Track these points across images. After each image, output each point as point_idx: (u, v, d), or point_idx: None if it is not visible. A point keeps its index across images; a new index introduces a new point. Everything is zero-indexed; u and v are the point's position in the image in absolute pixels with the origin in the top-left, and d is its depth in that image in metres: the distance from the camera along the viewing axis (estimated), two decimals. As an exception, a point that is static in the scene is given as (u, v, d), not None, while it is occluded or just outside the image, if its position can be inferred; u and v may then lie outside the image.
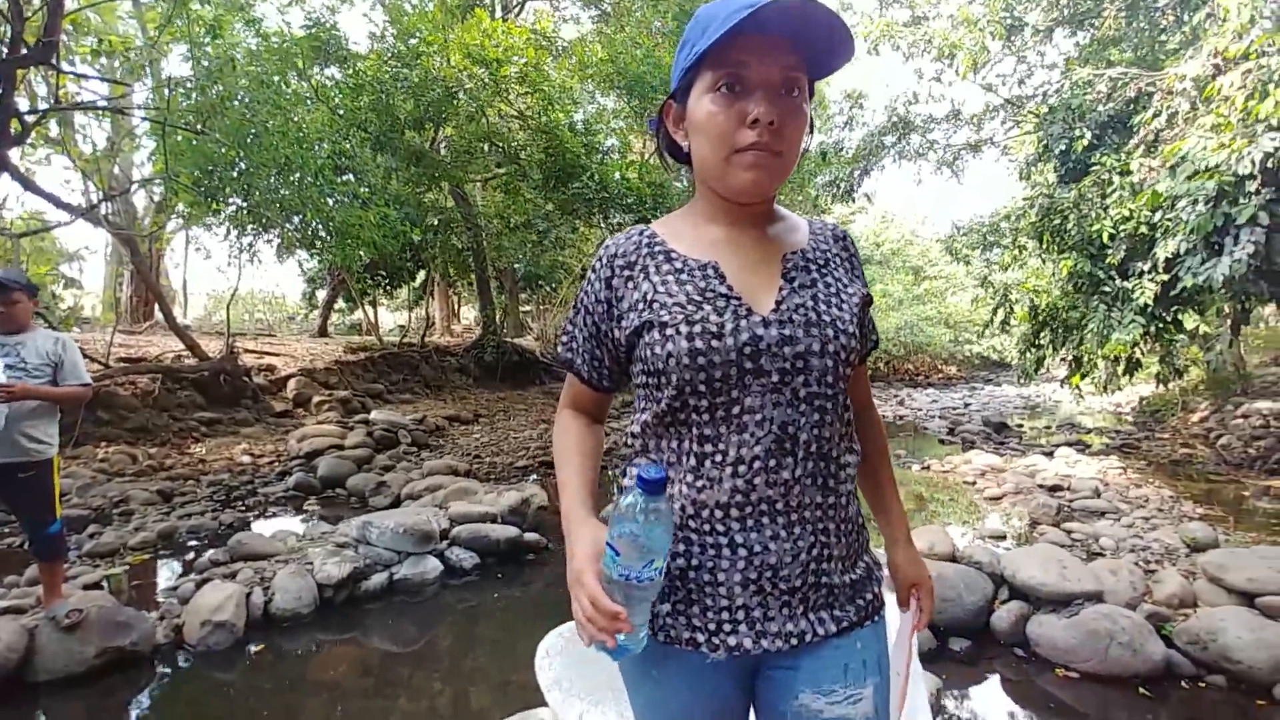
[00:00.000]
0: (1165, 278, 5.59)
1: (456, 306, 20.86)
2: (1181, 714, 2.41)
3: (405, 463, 6.58)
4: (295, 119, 7.43)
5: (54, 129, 8.74)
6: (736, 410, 0.78)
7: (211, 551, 3.81)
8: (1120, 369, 6.87)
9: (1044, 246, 7.04)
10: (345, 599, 3.45)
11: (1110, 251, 6.14)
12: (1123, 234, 5.94)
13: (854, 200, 12.04)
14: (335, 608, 3.38)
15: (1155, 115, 5.98)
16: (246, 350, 9.84)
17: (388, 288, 14.97)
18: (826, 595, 0.82)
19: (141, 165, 12.60)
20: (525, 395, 12.00)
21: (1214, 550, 3.36)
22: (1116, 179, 6.08)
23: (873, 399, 1.03)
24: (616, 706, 1.58)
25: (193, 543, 4.40)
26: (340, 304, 17.42)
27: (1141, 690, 2.52)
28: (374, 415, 8.00)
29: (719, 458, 0.78)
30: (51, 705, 2.52)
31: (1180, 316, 6.33)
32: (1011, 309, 8.21)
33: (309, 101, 8.56)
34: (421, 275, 15.55)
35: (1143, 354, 6.92)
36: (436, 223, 11.40)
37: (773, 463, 0.78)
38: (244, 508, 5.28)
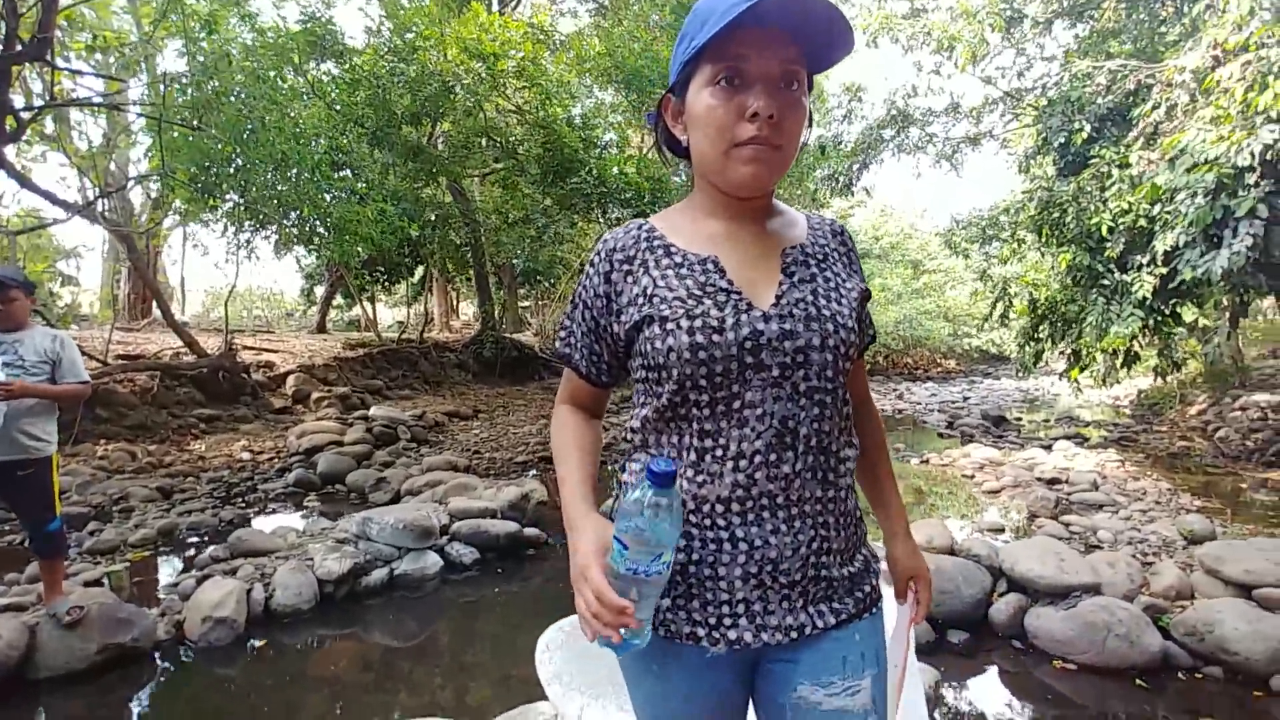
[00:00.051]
0: (1164, 271, 5.60)
1: (455, 302, 20.84)
2: (1178, 705, 2.42)
3: (405, 459, 6.59)
4: (292, 114, 7.40)
5: (49, 125, 8.71)
6: (737, 405, 0.78)
7: (212, 548, 3.82)
8: (1119, 362, 6.88)
9: (1043, 240, 7.04)
10: (346, 594, 3.46)
11: (1109, 245, 6.14)
12: (1122, 227, 5.93)
13: (853, 194, 12.02)
14: (336, 603, 3.39)
15: (1154, 108, 5.97)
16: (245, 347, 9.83)
17: (386, 284, 14.94)
18: (826, 588, 0.82)
19: (138, 161, 12.53)
20: (524, 391, 12.01)
21: (1211, 542, 3.37)
22: (1115, 172, 6.08)
23: (871, 393, 1.03)
24: (616, 700, 1.59)
25: (193, 539, 4.40)
26: (339, 300, 17.40)
27: (1138, 682, 2.54)
28: (373, 411, 8.00)
29: (719, 452, 0.78)
30: (53, 702, 2.53)
31: (1179, 309, 6.33)
32: (1010, 302, 8.22)
33: (305, 97, 8.52)
34: (420, 271, 15.53)
35: (1141, 347, 6.93)
36: (434, 218, 11.37)
37: (773, 457, 0.78)
38: (244, 504, 5.28)
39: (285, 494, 5.62)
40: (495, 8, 11.72)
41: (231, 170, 6.77)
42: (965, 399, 13.58)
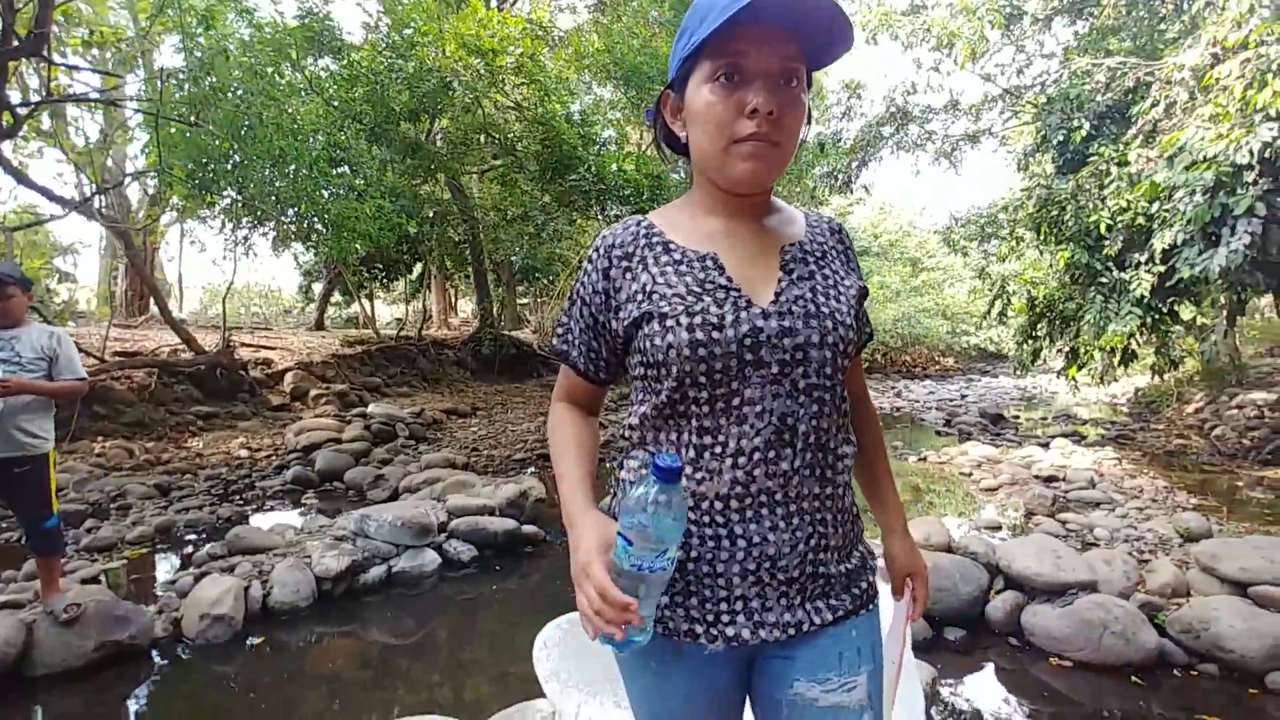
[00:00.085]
0: (1162, 269, 5.60)
1: (453, 299, 20.82)
2: (1174, 702, 2.43)
3: (403, 456, 6.58)
4: (289, 110, 7.38)
5: (46, 121, 8.66)
6: (736, 402, 0.78)
7: (209, 545, 3.82)
8: (1116, 360, 6.89)
9: (1041, 238, 7.04)
10: (344, 592, 3.46)
11: (1107, 242, 6.14)
12: (1120, 225, 5.94)
13: (852, 191, 12.02)
14: (334, 601, 3.39)
15: (1153, 105, 5.97)
16: (243, 344, 9.81)
17: (384, 281, 14.93)
18: (823, 585, 0.83)
19: (135, 158, 12.48)
20: (523, 388, 12.00)
21: (1207, 540, 3.38)
22: (1114, 170, 6.08)
23: (868, 391, 1.03)
24: (614, 697, 1.59)
25: (190, 537, 4.40)
26: (337, 297, 17.38)
27: (1134, 679, 2.54)
28: (371, 409, 7.99)
29: (719, 449, 0.78)
30: (50, 699, 2.53)
31: (1176, 308, 6.34)
32: (1009, 300, 8.23)
33: (303, 93, 8.50)
34: (418, 268, 15.51)
35: (1139, 345, 6.94)
36: (433, 215, 11.35)
37: (772, 454, 0.78)
38: (241, 501, 5.28)
39: (283, 491, 5.61)
40: (494, 4, 11.69)
41: (229, 166, 6.75)
42: (963, 397, 13.60)
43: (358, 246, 8.30)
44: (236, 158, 6.69)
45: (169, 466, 6.06)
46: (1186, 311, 7.07)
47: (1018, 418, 10.22)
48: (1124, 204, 5.83)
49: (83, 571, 3.55)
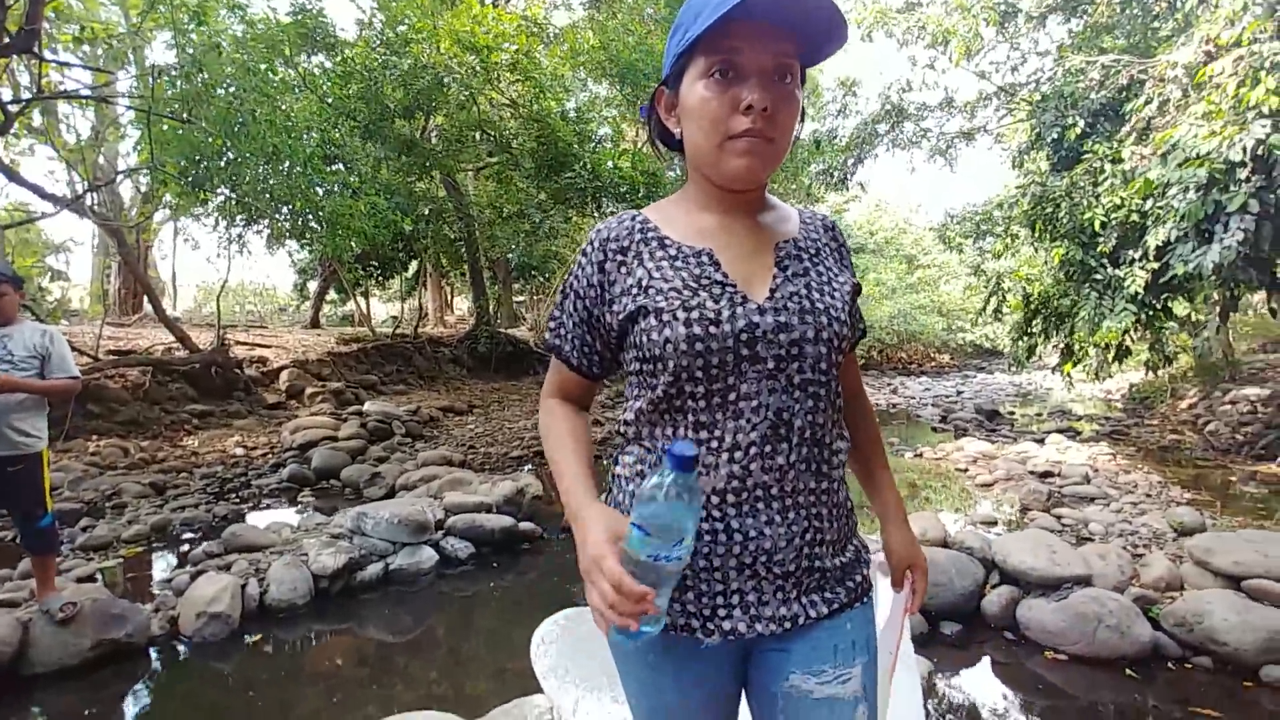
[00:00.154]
0: (1156, 265, 5.62)
1: (450, 297, 20.78)
2: (1168, 695, 2.45)
3: (399, 454, 6.58)
4: (283, 107, 7.33)
5: (37, 118, 8.60)
6: (733, 397, 0.78)
7: (206, 543, 3.81)
8: (1111, 356, 6.92)
9: (1036, 235, 7.06)
10: (341, 589, 3.45)
11: (1102, 239, 6.17)
12: (1114, 222, 5.96)
13: (847, 189, 12.02)
14: (331, 598, 3.39)
15: (1147, 103, 5.99)
16: (238, 342, 9.77)
17: (380, 278, 14.88)
18: (819, 579, 0.83)
19: (127, 155, 12.45)
20: (519, 386, 11.99)
21: (1201, 534, 3.41)
22: (1108, 167, 6.10)
23: (864, 387, 1.03)
24: (611, 692, 1.60)
25: (187, 535, 4.39)
26: (332, 295, 17.31)
27: (1129, 672, 2.56)
28: (367, 406, 7.98)
29: (715, 444, 0.79)
30: (46, 698, 2.52)
31: (1170, 304, 6.37)
32: (1004, 297, 8.25)
33: (297, 90, 8.45)
34: (414, 266, 15.46)
35: (1133, 341, 6.97)
36: (428, 212, 11.31)
37: (768, 449, 0.78)
38: (238, 500, 5.27)
39: (279, 489, 5.60)
40: (488, 0, 11.64)
41: (222, 164, 6.72)
42: (959, 393, 13.65)
43: (353, 244, 8.28)
44: (230, 155, 6.65)
45: (164, 465, 6.03)
46: (1180, 308, 7.10)
47: (1013, 414, 10.27)
48: (1118, 201, 5.85)
49: (78, 570, 3.54)
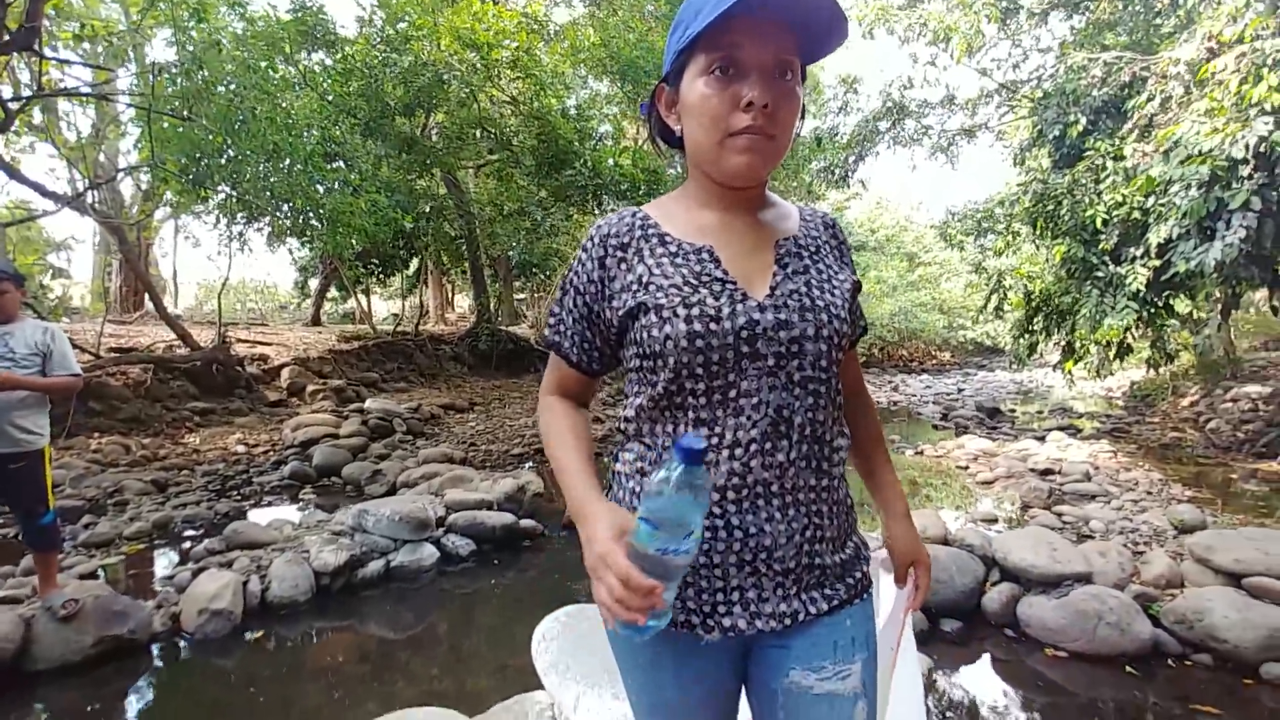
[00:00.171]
0: (1157, 263, 5.61)
1: (450, 295, 20.77)
2: (1168, 692, 2.45)
3: (401, 451, 6.58)
4: (283, 105, 7.33)
5: (38, 116, 8.59)
6: (733, 394, 0.78)
7: (207, 540, 3.82)
8: (1112, 354, 6.91)
9: (1038, 232, 7.04)
10: (342, 586, 3.46)
11: (1103, 237, 6.16)
12: (1116, 219, 5.95)
13: (849, 186, 12.00)
14: (332, 595, 3.39)
15: (1149, 100, 5.98)
16: (239, 340, 9.78)
17: (381, 276, 14.87)
18: (819, 575, 0.83)
19: (127, 153, 12.44)
20: (520, 383, 11.99)
21: (1201, 532, 3.41)
22: (1110, 164, 6.08)
23: (865, 384, 1.03)
24: (611, 689, 1.60)
25: (188, 532, 4.39)
26: (333, 292, 17.31)
27: (1129, 669, 2.56)
28: (369, 404, 7.98)
29: (715, 441, 0.79)
30: (49, 695, 2.53)
31: (1172, 301, 6.36)
32: (1005, 295, 8.24)
33: (297, 87, 8.45)
34: (415, 263, 15.46)
35: (1134, 339, 6.96)
36: (429, 210, 11.30)
37: (768, 445, 0.78)
38: (239, 497, 5.28)
39: (281, 487, 5.61)
40: (489, -3, 11.61)
41: (223, 161, 6.71)
42: (960, 391, 13.64)
43: (353, 242, 8.27)
44: (230, 152, 6.64)
45: (166, 462, 6.04)
46: (1182, 305, 7.09)
47: (1014, 411, 10.26)
48: (1120, 198, 5.84)
49: (81, 567, 3.55)
